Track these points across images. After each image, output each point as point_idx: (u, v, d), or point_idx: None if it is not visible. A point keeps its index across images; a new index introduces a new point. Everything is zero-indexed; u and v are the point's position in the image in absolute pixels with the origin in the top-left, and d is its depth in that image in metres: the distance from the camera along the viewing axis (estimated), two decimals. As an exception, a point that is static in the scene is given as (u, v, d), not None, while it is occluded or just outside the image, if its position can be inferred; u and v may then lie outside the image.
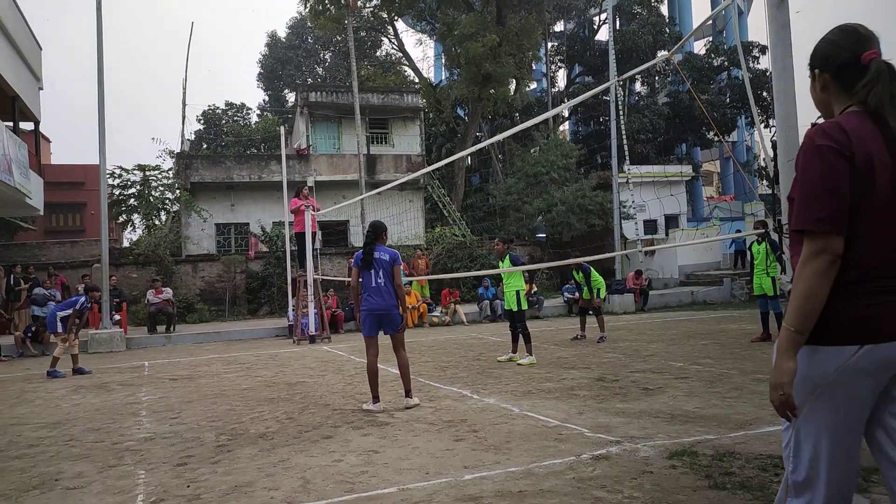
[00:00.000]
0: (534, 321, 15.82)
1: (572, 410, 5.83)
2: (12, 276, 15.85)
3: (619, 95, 18.60)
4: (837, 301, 1.85)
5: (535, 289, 17.19)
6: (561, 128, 34.90)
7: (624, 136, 12.12)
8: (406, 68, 35.07)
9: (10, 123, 17.98)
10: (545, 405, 6.10)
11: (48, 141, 35.73)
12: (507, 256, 9.22)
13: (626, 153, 13.32)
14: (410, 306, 15.96)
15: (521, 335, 9.11)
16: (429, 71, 37.55)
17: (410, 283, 15.59)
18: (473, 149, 9.89)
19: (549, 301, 18.38)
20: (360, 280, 6.44)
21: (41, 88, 21.17)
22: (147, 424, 6.13)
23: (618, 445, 4.60)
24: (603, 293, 11.81)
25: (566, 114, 33.60)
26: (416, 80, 32.52)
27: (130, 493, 4.09)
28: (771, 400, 1.91)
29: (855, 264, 1.85)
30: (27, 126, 21.04)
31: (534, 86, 35.99)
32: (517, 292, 9.07)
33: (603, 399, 6.29)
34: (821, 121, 2.08)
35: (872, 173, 1.84)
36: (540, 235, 23.89)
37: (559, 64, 35.20)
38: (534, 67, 31.73)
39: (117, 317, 14.95)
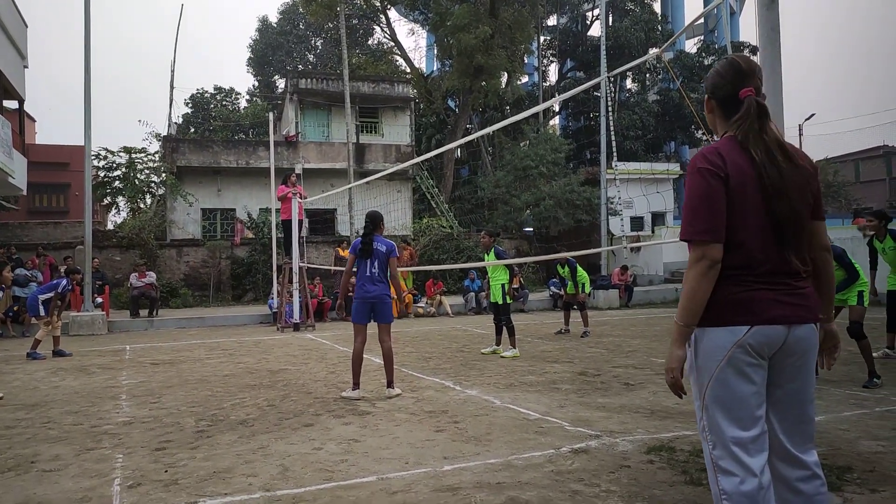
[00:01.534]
0: (519, 315, 15.87)
1: (553, 404, 5.86)
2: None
3: (609, 91, 18.62)
4: (727, 290, 2.18)
5: (521, 283, 17.24)
6: (551, 122, 34.92)
7: (612, 133, 12.08)
8: (398, 58, 34.89)
9: (-6, 101, 17.73)
10: (527, 398, 6.13)
11: (33, 120, 35.26)
12: (493, 250, 9.25)
13: (615, 150, 13.29)
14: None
15: (505, 328, 9.14)
16: (420, 61, 37.40)
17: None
18: (463, 141, 9.88)
19: (534, 295, 18.45)
20: (355, 268, 6.50)
21: (26, 67, 20.84)
22: (126, 408, 6.09)
23: (597, 439, 4.63)
24: (587, 288, 11.87)
25: (556, 108, 33.61)
26: (408, 69, 32.38)
27: (107, 477, 4.06)
28: (666, 381, 2.28)
29: (739, 261, 2.18)
30: (11, 104, 20.72)
31: (525, 79, 35.96)
32: (502, 286, 9.10)
33: (584, 393, 6.33)
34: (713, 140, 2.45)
35: (745, 189, 2.18)
36: (527, 229, 23.94)
37: (551, 58, 35.19)
38: (525, 61, 31.70)
39: (99, 300, 14.82)
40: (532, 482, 3.78)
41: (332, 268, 16.53)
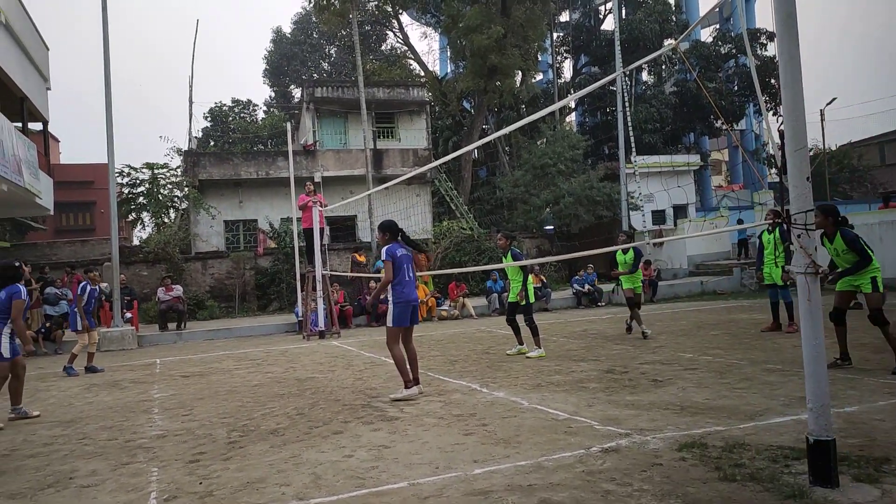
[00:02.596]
0: (542, 314, 15.82)
1: (581, 403, 5.83)
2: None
3: (625, 85, 18.50)
4: None
5: (543, 282, 17.18)
6: (567, 119, 34.75)
7: (630, 128, 11.93)
8: (411, 62, 35.00)
9: (19, 124, 18.06)
10: (554, 398, 6.11)
11: (57, 141, 35.93)
12: (510, 252, 9.23)
13: (633, 145, 13.18)
14: (419, 300, 15.98)
15: (528, 328, 9.11)
16: (434, 64, 37.44)
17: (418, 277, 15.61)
18: (480, 143, 9.85)
19: (557, 293, 18.36)
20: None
21: (49, 89, 21.24)
22: (159, 422, 6.19)
23: (627, 438, 4.60)
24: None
25: (573, 104, 33.45)
26: (422, 73, 32.44)
27: (143, 491, 4.13)
28: None
29: None
30: (36, 126, 21.12)
31: (539, 77, 35.83)
32: (524, 286, 9.07)
33: (612, 391, 6.28)
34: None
35: None
36: (548, 228, 23.85)
37: (565, 54, 35.06)
38: (539, 58, 31.57)
39: (128, 315, 15.05)
40: (563, 483, 3.76)
41: (350, 274, 16.61)
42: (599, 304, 17.48)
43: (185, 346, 13.63)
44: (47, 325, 13.80)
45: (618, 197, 20.90)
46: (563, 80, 33.92)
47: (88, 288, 10.27)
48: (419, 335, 12.21)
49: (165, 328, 15.26)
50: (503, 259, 9.41)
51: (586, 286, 17.58)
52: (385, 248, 6.62)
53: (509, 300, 9.48)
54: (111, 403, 7.34)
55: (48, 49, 20.95)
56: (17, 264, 7.17)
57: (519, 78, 29.15)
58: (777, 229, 9.90)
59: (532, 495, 3.60)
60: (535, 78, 33.03)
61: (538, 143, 27.22)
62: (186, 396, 7.46)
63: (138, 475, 4.48)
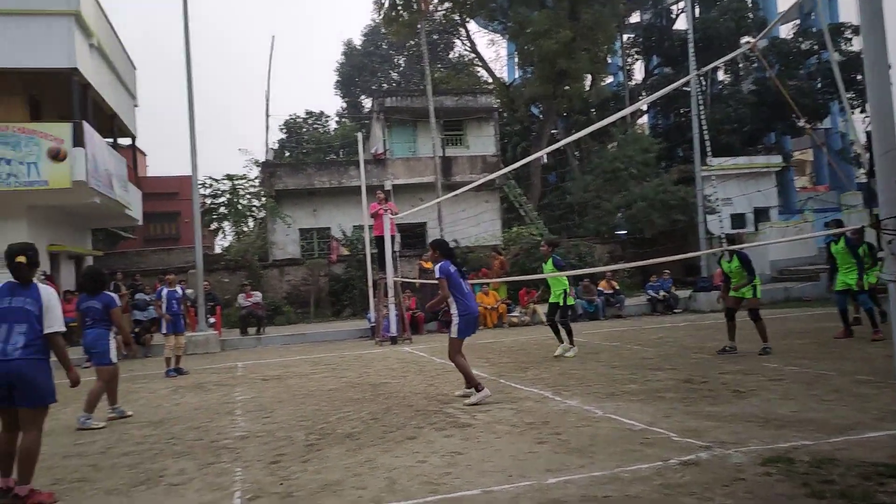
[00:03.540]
0: (615, 321, 15.55)
1: (658, 413, 5.69)
2: (113, 283, 16.91)
3: (701, 86, 17.96)
4: None
5: (615, 288, 16.88)
6: (639, 121, 34.01)
7: (705, 129, 11.52)
8: (479, 69, 35.11)
9: (110, 140, 19.19)
10: (629, 408, 5.99)
11: (144, 155, 37.88)
12: (551, 259, 9.73)
13: (708, 147, 12.81)
14: (490, 307, 15.98)
15: (562, 328, 9.72)
16: (502, 70, 37.38)
17: (488, 284, 15.68)
18: (549, 148, 9.86)
19: (630, 300, 17.95)
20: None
21: (136, 106, 22.49)
22: (242, 423, 6.44)
23: (707, 451, 4.46)
24: (759, 292, 9.17)
25: (645, 107, 32.73)
26: (490, 80, 32.50)
27: (228, 490, 4.32)
28: None
29: None
30: (125, 142, 22.40)
31: (609, 80, 35.22)
32: (564, 291, 9.71)
33: (691, 402, 6.11)
34: None
35: None
36: (620, 232, 23.39)
37: (636, 56, 34.31)
38: (609, 61, 31.07)
39: (212, 320, 15.72)
40: (640, 496, 3.69)
41: (419, 281, 16.76)
42: (675, 310, 16.98)
43: (264, 351, 14.11)
44: (136, 329, 14.56)
45: (693, 201, 20.29)
46: (634, 83, 33.24)
47: (165, 291, 10.84)
48: (490, 342, 12.23)
49: (246, 333, 15.84)
50: (543, 266, 10.00)
51: (661, 292, 17.12)
52: (438, 265, 6.84)
53: (550, 301, 10.03)
54: (196, 405, 7.69)
55: (135, 68, 22.18)
56: (105, 272, 7.63)
57: (588, 81, 28.78)
58: (842, 239, 9.56)
59: (608, 507, 3.55)
60: (604, 81, 32.51)
61: (609, 147, 26.77)
62: (266, 399, 7.72)
63: (223, 475, 4.68)
